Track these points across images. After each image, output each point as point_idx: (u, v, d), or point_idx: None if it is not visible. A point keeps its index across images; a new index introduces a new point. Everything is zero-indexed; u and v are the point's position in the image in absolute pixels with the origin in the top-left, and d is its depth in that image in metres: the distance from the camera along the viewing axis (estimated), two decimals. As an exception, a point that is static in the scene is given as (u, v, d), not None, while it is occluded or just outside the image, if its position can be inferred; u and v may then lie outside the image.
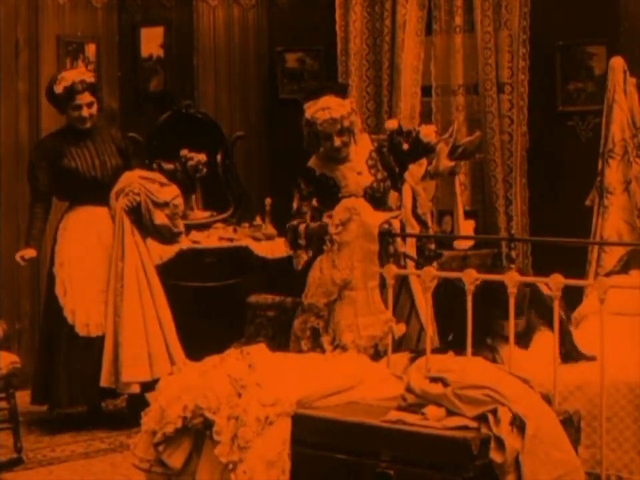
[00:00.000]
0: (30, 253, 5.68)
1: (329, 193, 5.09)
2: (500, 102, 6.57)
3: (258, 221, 6.83)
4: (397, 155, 5.23)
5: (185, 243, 6.30)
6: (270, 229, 6.77)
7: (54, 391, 5.66)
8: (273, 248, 6.65)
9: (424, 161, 5.35)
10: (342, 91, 5.24)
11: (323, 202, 5.10)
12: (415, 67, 6.74)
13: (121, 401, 5.97)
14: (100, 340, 5.59)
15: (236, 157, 7.14)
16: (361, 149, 5.16)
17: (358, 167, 5.12)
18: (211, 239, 6.65)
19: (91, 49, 6.94)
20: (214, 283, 6.44)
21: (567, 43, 6.45)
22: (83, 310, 5.62)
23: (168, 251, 6.19)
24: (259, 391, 3.76)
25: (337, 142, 5.02)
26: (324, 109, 5.00)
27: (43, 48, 6.65)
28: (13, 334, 6.02)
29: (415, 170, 5.38)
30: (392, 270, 4.58)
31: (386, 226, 4.93)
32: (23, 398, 5.61)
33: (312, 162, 5.18)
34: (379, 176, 5.12)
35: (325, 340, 4.76)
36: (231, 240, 6.67)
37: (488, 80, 6.56)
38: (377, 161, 5.17)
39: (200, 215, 6.88)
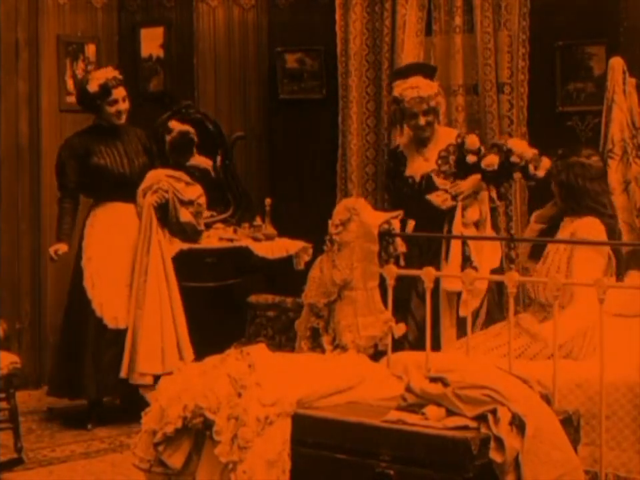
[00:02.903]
0: (62, 247, 5.78)
1: (399, 171, 5.48)
2: (500, 102, 6.56)
3: (258, 221, 6.83)
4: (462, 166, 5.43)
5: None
6: (270, 229, 6.77)
7: (83, 383, 5.73)
8: (273, 248, 6.64)
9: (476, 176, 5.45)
10: (430, 72, 5.45)
11: (395, 176, 5.50)
12: (415, 68, 6.74)
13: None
14: (123, 332, 5.71)
15: (236, 157, 7.14)
16: (442, 140, 5.45)
17: (428, 154, 5.42)
18: (211, 239, 6.65)
19: (90, 49, 6.94)
20: (214, 282, 6.44)
21: (567, 43, 6.44)
22: (110, 303, 5.73)
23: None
24: (259, 390, 3.76)
25: (422, 121, 5.35)
26: (413, 87, 5.35)
27: (43, 48, 6.65)
28: (13, 334, 6.03)
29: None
30: (392, 270, 4.59)
31: (386, 226, 4.94)
32: (22, 398, 5.62)
33: (401, 140, 5.63)
34: (444, 168, 5.29)
35: (325, 340, 4.77)
36: (231, 240, 6.67)
37: (488, 80, 6.56)
38: (449, 154, 5.41)
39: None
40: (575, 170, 4.77)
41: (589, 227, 4.68)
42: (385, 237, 4.89)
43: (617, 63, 5.87)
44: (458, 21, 6.64)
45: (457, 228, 5.33)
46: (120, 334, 5.72)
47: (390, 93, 6.81)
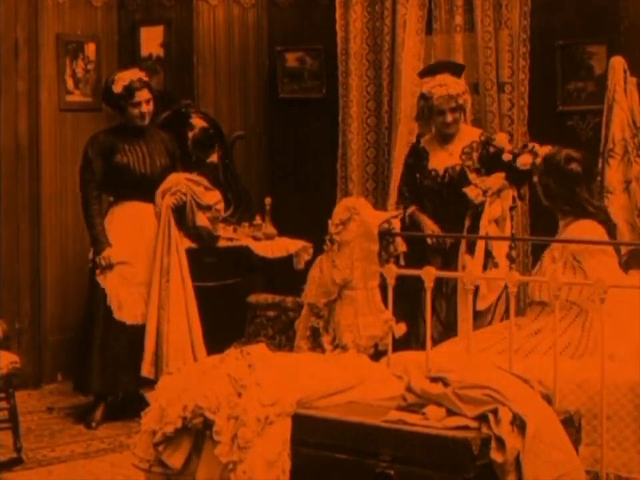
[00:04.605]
0: (113, 252, 5.78)
1: (421, 165, 5.55)
2: (500, 101, 6.56)
3: (258, 220, 6.83)
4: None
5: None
6: (270, 229, 6.76)
7: (89, 377, 5.79)
8: (273, 248, 6.64)
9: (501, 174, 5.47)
10: (458, 71, 5.55)
11: (417, 171, 5.56)
12: (415, 67, 6.71)
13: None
14: (134, 329, 5.75)
15: (236, 157, 7.14)
16: (466, 137, 5.55)
17: (452, 149, 5.52)
18: (211, 239, 6.64)
19: (90, 49, 6.94)
20: (214, 282, 6.44)
21: (568, 42, 6.44)
22: (120, 297, 5.77)
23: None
24: (259, 390, 3.76)
25: (449, 118, 5.46)
26: (441, 85, 5.45)
27: (42, 48, 6.64)
28: (13, 334, 6.03)
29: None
30: (392, 270, 4.58)
31: (386, 225, 4.94)
32: (22, 398, 5.61)
33: (424, 137, 5.67)
34: (467, 163, 5.35)
35: (325, 340, 4.76)
36: (231, 239, 6.67)
37: (488, 79, 6.55)
38: (473, 150, 5.51)
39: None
40: (553, 174, 4.77)
41: (588, 230, 4.66)
42: (385, 236, 4.89)
43: (618, 62, 5.87)
44: (458, 19, 6.64)
45: (485, 223, 5.36)
46: (128, 330, 5.75)
47: (390, 92, 6.84)
